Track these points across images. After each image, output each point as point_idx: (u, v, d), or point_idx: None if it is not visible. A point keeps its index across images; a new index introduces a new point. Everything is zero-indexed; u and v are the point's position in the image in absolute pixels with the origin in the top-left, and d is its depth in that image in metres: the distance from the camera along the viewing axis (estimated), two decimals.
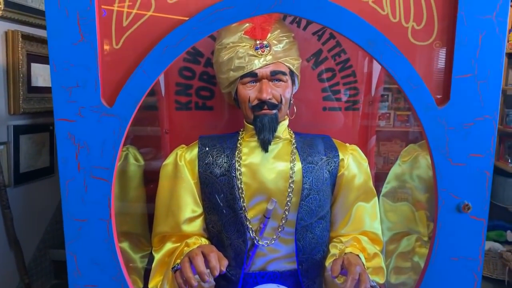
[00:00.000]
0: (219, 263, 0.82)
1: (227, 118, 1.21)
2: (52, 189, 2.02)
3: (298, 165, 0.97)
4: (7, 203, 1.74)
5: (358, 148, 1.06)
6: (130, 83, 0.68)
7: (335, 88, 1.21)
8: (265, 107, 0.94)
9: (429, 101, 0.69)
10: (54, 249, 2.08)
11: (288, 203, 0.96)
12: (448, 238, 0.72)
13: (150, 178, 1.12)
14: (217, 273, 0.80)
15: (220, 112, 1.22)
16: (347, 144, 1.07)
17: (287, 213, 0.96)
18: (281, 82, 0.96)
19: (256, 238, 0.96)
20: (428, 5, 0.70)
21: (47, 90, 1.92)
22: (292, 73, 0.98)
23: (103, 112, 0.69)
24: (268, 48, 0.94)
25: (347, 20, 0.68)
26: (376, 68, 1.19)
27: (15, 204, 1.79)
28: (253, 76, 0.94)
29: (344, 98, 1.21)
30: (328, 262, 1.01)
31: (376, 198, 1.06)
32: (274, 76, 0.94)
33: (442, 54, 0.70)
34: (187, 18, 0.68)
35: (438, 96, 0.71)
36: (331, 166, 1.00)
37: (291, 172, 0.96)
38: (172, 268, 0.86)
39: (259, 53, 0.94)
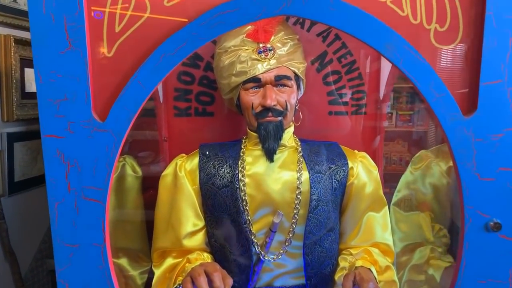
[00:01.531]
0: (223, 282, 0.77)
1: (229, 124, 1.15)
2: None
3: (306, 175, 0.92)
4: (1, 214, 1.68)
5: (367, 155, 1.01)
6: (124, 95, 0.62)
7: (341, 92, 1.15)
8: (270, 114, 0.89)
9: (455, 110, 0.63)
10: (51, 259, 2.02)
11: (296, 215, 0.91)
12: (475, 259, 0.66)
13: (148, 186, 1.07)
14: None
15: (221, 118, 1.16)
16: (356, 151, 1.02)
17: (294, 226, 0.91)
18: (286, 87, 0.90)
19: (262, 253, 0.91)
20: (453, 4, 0.64)
21: None
22: (297, 77, 0.93)
23: (94, 127, 0.63)
24: (272, 51, 0.89)
25: (363, 22, 0.62)
26: (384, 69, 1.13)
27: (10, 214, 1.74)
28: (256, 82, 0.89)
29: (351, 102, 1.16)
30: (337, 276, 0.96)
31: (387, 207, 1.01)
32: (279, 81, 0.89)
33: (468, 58, 0.64)
34: (186, 22, 0.63)
35: (464, 104, 0.65)
36: (340, 175, 0.95)
37: (298, 182, 0.91)
38: None
39: (263, 57, 0.88)
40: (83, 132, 0.64)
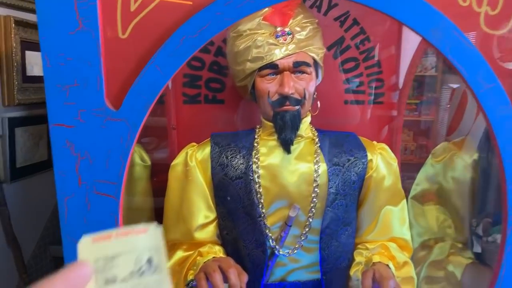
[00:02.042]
0: (239, 278, 0.74)
1: (240, 113, 1.11)
2: (51, 183, 1.93)
3: (323, 167, 0.88)
4: (3, 200, 1.65)
5: (387, 147, 0.96)
6: (141, 81, 0.57)
7: (358, 80, 1.11)
8: (287, 102, 0.85)
9: (504, 102, 0.58)
10: (55, 246, 2.00)
11: (312, 209, 0.87)
12: None
13: (153, 173, 1.03)
14: None
15: (232, 106, 1.11)
16: (375, 143, 0.97)
17: (311, 220, 0.87)
18: (304, 74, 0.85)
19: (277, 247, 0.87)
20: None
21: (43, 79, 1.82)
22: (316, 64, 0.88)
23: (108, 116, 0.57)
24: (291, 35, 0.83)
25: (407, 3, 0.56)
26: (404, 57, 1.08)
27: (12, 200, 1.71)
28: (273, 68, 0.84)
29: (368, 91, 1.11)
30: (353, 271, 0.93)
31: (405, 200, 0.97)
32: (297, 67, 0.84)
33: None
34: (209, 1, 0.57)
35: None
36: (359, 167, 0.91)
37: (315, 175, 0.87)
38: (186, 286, 0.78)
39: (280, 41, 0.83)
40: (95, 121, 0.58)
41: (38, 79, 1.79)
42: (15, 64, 1.66)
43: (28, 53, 1.73)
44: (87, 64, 0.57)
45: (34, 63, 1.78)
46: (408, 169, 1.10)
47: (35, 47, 1.75)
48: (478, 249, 0.92)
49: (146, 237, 0.33)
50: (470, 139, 0.96)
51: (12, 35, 1.62)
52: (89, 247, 0.32)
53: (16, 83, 1.65)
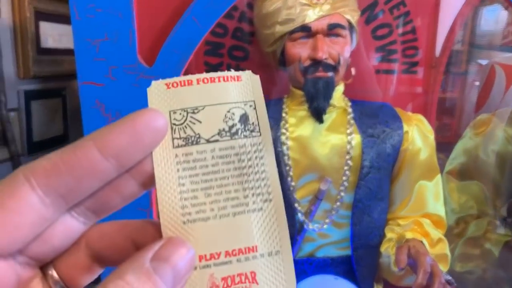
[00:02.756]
0: None
1: (264, 83, 1.04)
2: None
3: (357, 138, 0.83)
4: None
5: (423, 119, 0.91)
6: (176, 35, 0.52)
7: (391, 47, 1.04)
8: (320, 68, 0.79)
9: None
10: None
11: (345, 182, 0.83)
12: None
13: None
14: None
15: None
16: (410, 114, 0.92)
17: (342, 194, 0.83)
18: (339, 38, 0.79)
19: (306, 221, 0.84)
20: None
21: (58, 52, 1.78)
22: (351, 27, 0.82)
23: (140, 73, 0.52)
24: None
25: None
26: (443, 23, 1.01)
27: None
28: (306, 31, 0.78)
29: (402, 59, 1.04)
30: (384, 248, 0.89)
31: (440, 175, 0.92)
32: (332, 30, 0.78)
33: None
34: None
35: None
36: (394, 139, 0.86)
37: (348, 146, 0.82)
38: None
39: (314, 1, 0.77)
40: (127, 78, 0.53)
41: (53, 51, 1.76)
42: (30, 35, 1.62)
43: (42, 24, 1.69)
44: (118, 16, 0.51)
45: (49, 34, 1.74)
46: None
47: (49, 18, 1.71)
48: (501, 230, 0.88)
49: (240, 86, 0.24)
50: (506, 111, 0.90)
51: (26, 4, 1.57)
52: (162, 94, 0.23)
53: (31, 54, 1.62)
